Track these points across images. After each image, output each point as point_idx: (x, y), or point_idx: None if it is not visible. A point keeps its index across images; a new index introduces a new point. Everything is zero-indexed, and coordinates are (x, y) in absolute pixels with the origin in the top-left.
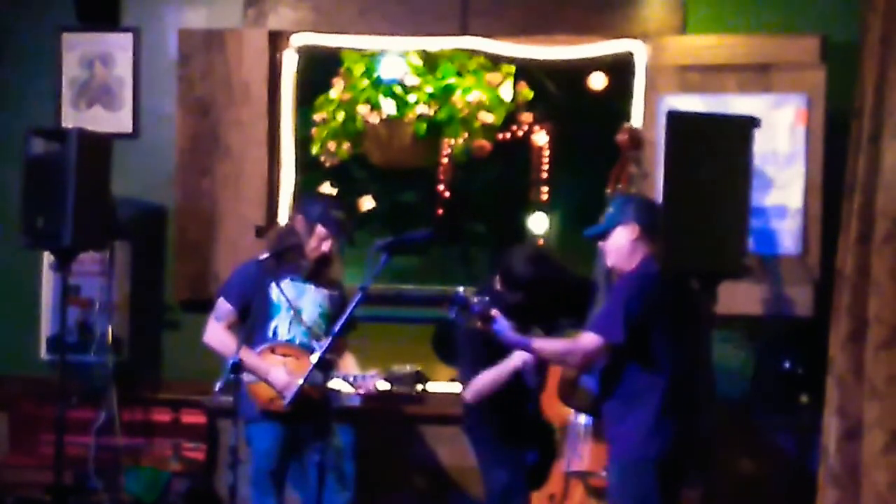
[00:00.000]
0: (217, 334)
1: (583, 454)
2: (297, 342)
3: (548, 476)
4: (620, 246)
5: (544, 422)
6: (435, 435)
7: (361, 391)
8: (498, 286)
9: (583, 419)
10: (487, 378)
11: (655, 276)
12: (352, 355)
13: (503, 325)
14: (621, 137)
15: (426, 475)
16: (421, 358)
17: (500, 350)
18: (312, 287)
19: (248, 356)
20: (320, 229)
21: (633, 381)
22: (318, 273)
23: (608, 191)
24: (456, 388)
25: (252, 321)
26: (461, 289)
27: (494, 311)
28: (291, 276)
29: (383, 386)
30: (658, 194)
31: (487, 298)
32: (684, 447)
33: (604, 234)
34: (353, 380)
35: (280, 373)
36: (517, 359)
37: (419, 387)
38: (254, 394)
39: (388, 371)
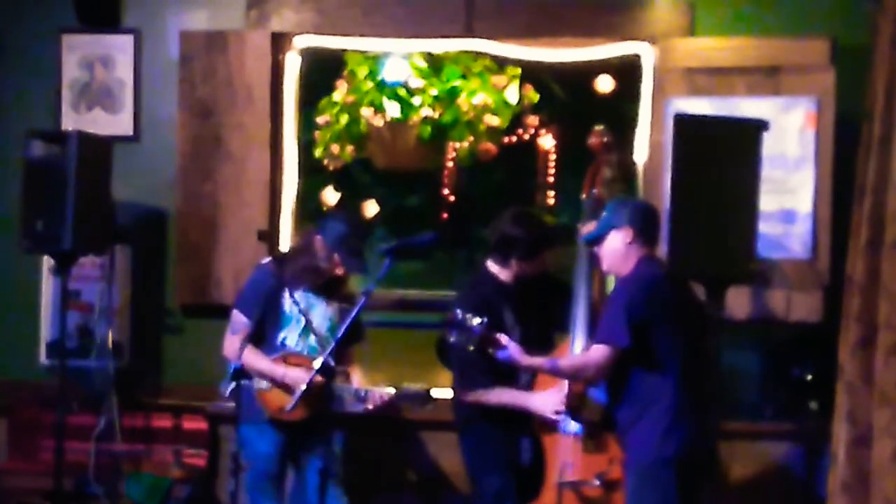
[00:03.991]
0: (235, 347)
1: (574, 463)
2: (306, 354)
3: (541, 487)
4: (615, 250)
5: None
6: (435, 440)
7: (370, 406)
8: (491, 266)
9: (573, 426)
10: (498, 397)
11: (653, 278)
12: (358, 368)
13: (512, 350)
14: (593, 141)
15: (425, 481)
16: (425, 363)
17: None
18: (324, 301)
19: (263, 362)
20: (336, 256)
21: (643, 385)
22: (330, 288)
23: (583, 196)
24: None
25: (261, 330)
26: (459, 311)
27: (503, 338)
28: (304, 287)
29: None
30: (665, 198)
31: (486, 319)
32: (701, 445)
33: (598, 239)
34: (363, 394)
35: (298, 373)
36: (540, 406)
37: (428, 407)
38: (265, 401)
39: (398, 388)
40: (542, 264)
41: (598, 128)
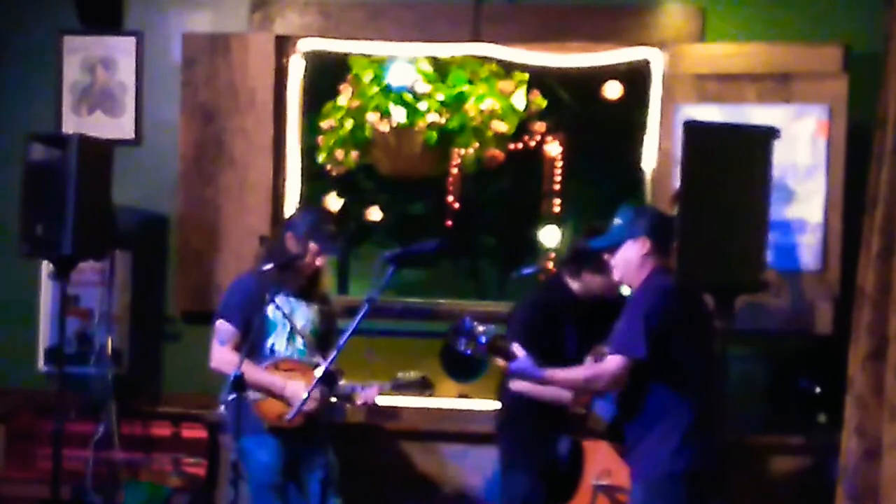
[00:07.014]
0: (226, 358)
1: (615, 471)
2: (297, 358)
3: (575, 489)
4: (629, 260)
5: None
6: (436, 451)
7: (360, 402)
8: (564, 276)
9: None
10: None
11: (671, 290)
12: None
13: (523, 363)
14: None
15: (426, 492)
16: (428, 372)
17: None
18: (303, 303)
19: (259, 374)
20: (313, 245)
21: (657, 397)
22: (308, 288)
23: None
24: (461, 404)
25: (249, 338)
26: (467, 318)
27: (517, 348)
28: (284, 291)
29: (383, 399)
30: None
31: (494, 327)
32: (712, 459)
33: (612, 248)
34: (357, 390)
35: (298, 386)
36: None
37: (427, 392)
38: (261, 411)
39: (393, 378)
40: (611, 284)
41: None
